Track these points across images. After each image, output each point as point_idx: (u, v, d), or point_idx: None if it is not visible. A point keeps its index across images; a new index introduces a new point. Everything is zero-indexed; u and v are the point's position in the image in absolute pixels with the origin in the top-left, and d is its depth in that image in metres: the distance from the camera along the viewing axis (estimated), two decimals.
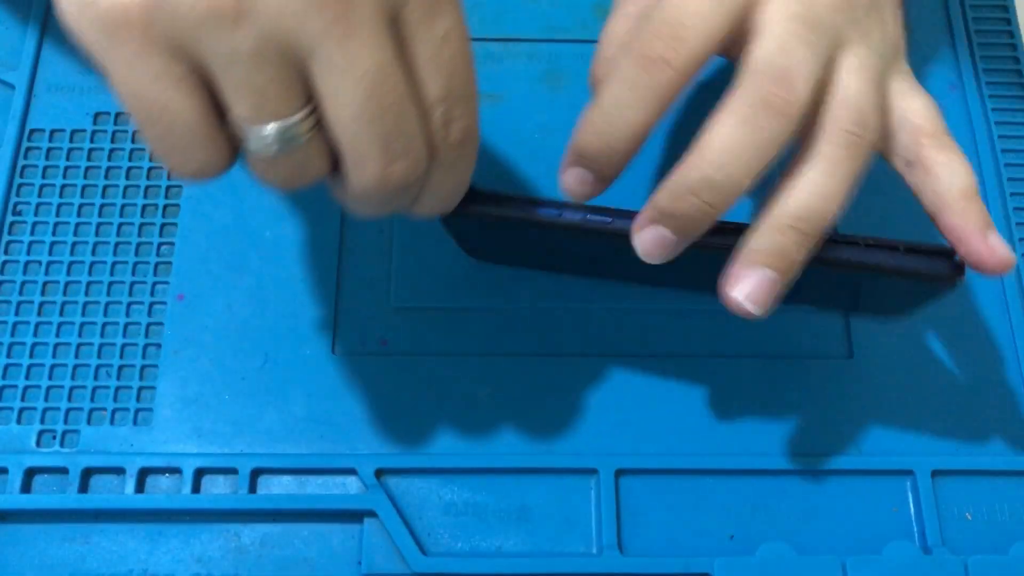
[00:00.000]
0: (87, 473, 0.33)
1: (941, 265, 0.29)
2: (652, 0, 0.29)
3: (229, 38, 0.22)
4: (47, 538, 0.32)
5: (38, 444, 0.34)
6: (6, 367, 0.34)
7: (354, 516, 0.33)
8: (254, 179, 0.25)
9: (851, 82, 0.28)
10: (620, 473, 0.34)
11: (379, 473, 0.33)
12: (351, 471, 0.33)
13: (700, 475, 0.34)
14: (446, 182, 0.27)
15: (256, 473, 0.33)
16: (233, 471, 0.33)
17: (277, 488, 0.33)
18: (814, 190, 0.28)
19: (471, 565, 0.32)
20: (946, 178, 0.29)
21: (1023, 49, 0.41)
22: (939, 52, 0.41)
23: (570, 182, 0.29)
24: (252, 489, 0.33)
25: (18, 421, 0.34)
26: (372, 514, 0.33)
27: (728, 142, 0.27)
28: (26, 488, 0.33)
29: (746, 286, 0.28)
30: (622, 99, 0.27)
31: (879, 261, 0.29)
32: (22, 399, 0.34)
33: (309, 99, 0.23)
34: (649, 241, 0.28)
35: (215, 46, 0.22)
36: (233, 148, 0.24)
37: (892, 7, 0.31)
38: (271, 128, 0.23)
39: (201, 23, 0.22)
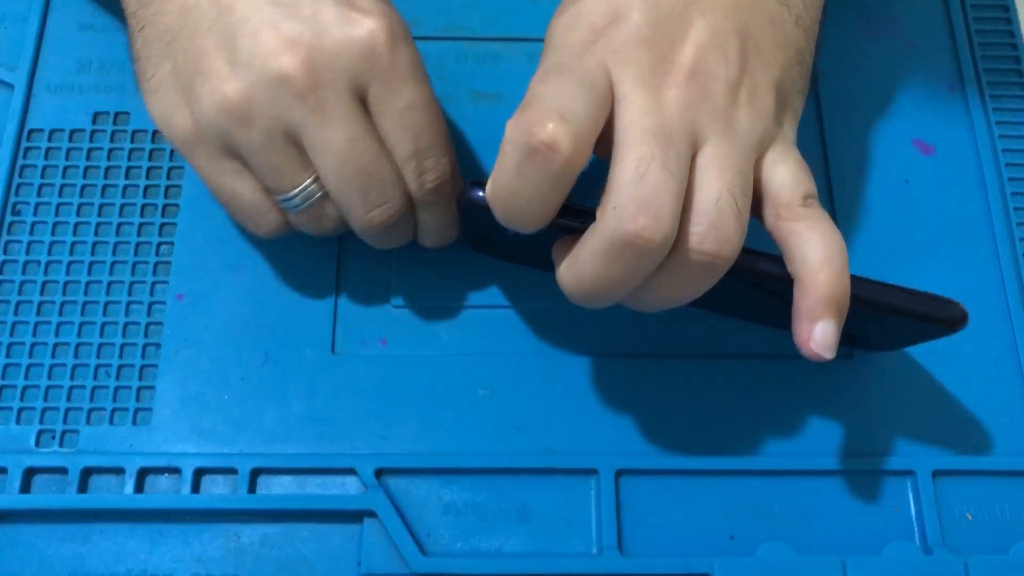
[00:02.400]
0: (86, 473, 0.33)
1: (952, 310, 0.29)
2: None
3: (246, 135, 0.30)
4: (46, 538, 0.32)
5: (37, 444, 0.34)
6: (5, 367, 0.34)
7: (354, 516, 0.33)
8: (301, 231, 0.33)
9: (709, 191, 0.27)
10: (620, 473, 0.34)
11: (379, 473, 0.33)
12: (351, 471, 0.33)
13: (700, 475, 0.34)
14: (432, 220, 0.33)
15: (256, 473, 0.33)
16: (233, 471, 0.33)
17: (277, 488, 0.33)
18: (658, 296, 0.29)
19: (471, 565, 0.32)
20: (799, 251, 0.28)
21: (1023, 49, 0.41)
22: (939, 52, 0.41)
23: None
24: (252, 489, 0.33)
25: (17, 421, 0.34)
26: (372, 514, 0.33)
27: (597, 276, 0.27)
28: (25, 488, 0.33)
29: None
30: (515, 188, 0.27)
31: (895, 301, 0.29)
32: (21, 399, 0.34)
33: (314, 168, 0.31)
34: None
35: (240, 143, 0.30)
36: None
37: (777, 69, 0.30)
38: (290, 194, 0.31)
39: (227, 130, 0.30)
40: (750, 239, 0.28)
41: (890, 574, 0.32)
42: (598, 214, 0.27)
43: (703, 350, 0.36)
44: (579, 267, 0.28)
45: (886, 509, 0.34)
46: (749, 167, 0.28)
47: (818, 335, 0.28)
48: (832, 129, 0.39)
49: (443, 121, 0.32)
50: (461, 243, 0.37)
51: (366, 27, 0.29)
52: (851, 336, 0.34)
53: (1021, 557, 0.32)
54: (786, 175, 0.29)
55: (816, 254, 0.28)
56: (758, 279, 0.29)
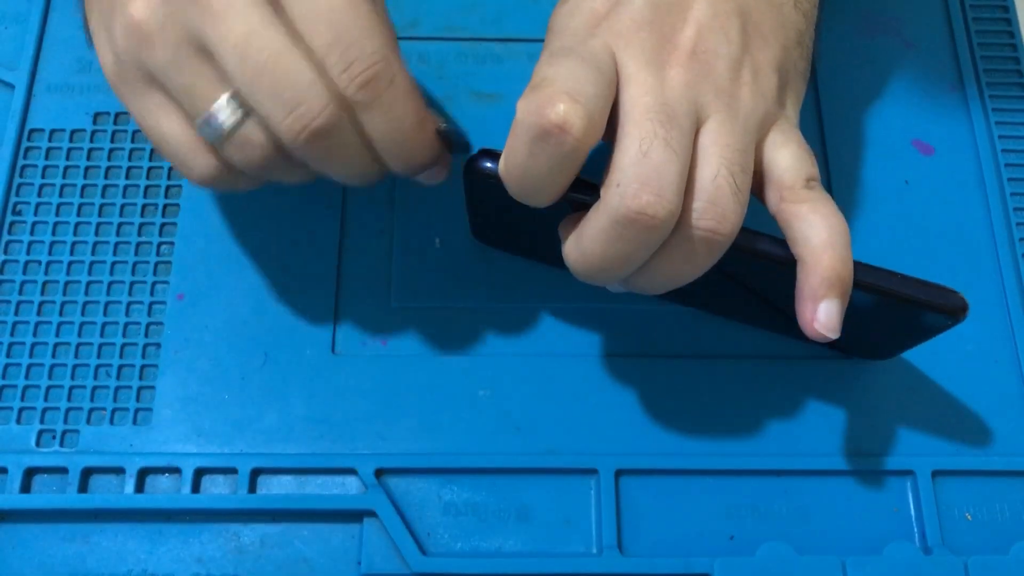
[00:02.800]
0: (87, 473, 0.33)
1: (953, 298, 0.29)
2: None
3: (155, 55, 0.27)
4: (47, 538, 0.32)
5: (38, 444, 0.34)
6: (6, 367, 0.34)
7: (354, 516, 0.33)
8: (241, 170, 0.29)
9: (708, 167, 0.27)
10: (620, 473, 0.34)
11: (379, 473, 0.33)
12: (351, 471, 0.33)
13: (700, 475, 0.34)
14: (379, 127, 0.28)
15: (256, 473, 0.33)
16: (233, 471, 0.33)
17: (277, 488, 0.33)
18: (664, 275, 0.29)
19: (471, 565, 0.32)
20: (802, 233, 0.28)
21: (1023, 49, 0.41)
22: (939, 52, 0.41)
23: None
24: (252, 489, 0.33)
25: (18, 421, 0.34)
26: (372, 514, 0.33)
27: (603, 253, 0.28)
28: (26, 488, 0.33)
29: None
30: (529, 168, 0.28)
31: (896, 287, 0.29)
32: (22, 399, 0.34)
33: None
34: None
35: (153, 66, 0.28)
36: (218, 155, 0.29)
37: (778, 50, 0.31)
38: (208, 116, 0.28)
39: (138, 54, 0.28)
40: (754, 223, 0.29)
41: (890, 574, 0.32)
42: (602, 192, 0.27)
43: (703, 350, 0.36)
44: (584, 244, 0.28)
45: (886, 509, 0.34)
46: (750, 145, 0.29)
47: (822, 315, 0.28)
48: (832, 129, 0.39)
49: (369, 6, 0.28)
50: (461, 243, 0.37)
51: None
52: (848, 344, 0.35)
53: (1020, 557, 0.32)
54: (789, 157, 0.29)
55: (819, 235, 0.28)
56: (760, 260, 0.29)
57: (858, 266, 0.29)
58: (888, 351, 0.35)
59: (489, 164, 0.29)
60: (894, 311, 0.31)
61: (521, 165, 0.27)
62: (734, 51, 0.29)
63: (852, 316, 0.29)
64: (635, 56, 0.28)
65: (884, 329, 0.33)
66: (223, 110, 0.28)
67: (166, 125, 0.29)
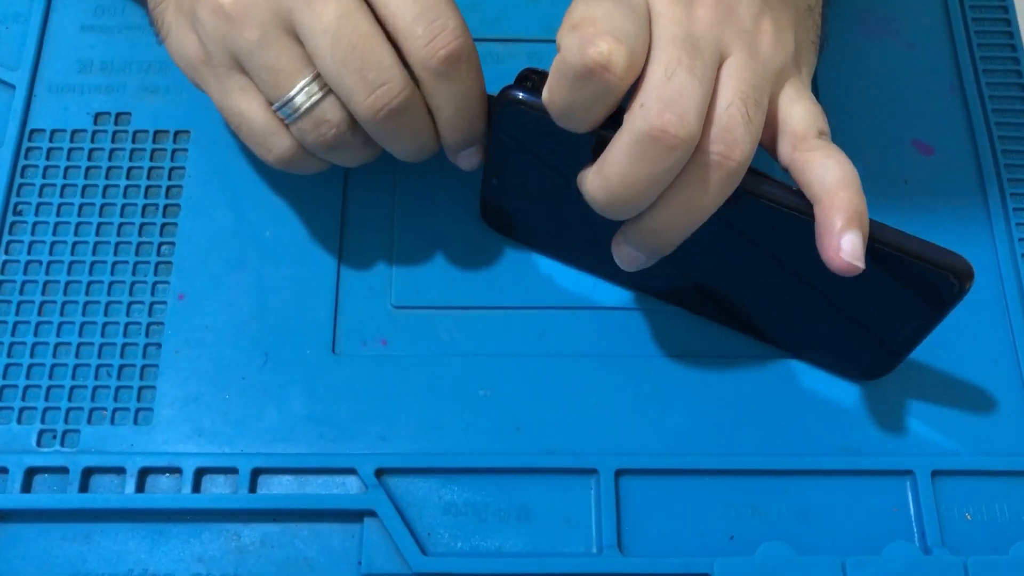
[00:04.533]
0: (87, 473, 0.33)
1: (959, 262, 0.29)
2: None
3: (243, 35, 0.29)
4: (47, 538, 0.32)
5: (39, 444, 0.34)
6: (7, 367, 0.35)
7: (354, 516, 0.33)
8: (312, 151, 0.32)
9: (723, 97, 0.28)
10: (620, 473, 0.34)
11: (379, 473, 0.33)
12: (351, 471, 0.33)
13: (700, 475, 0.34)
14: (450, 102, 0.31)
15: (256, 473, 0.33)
16: (233, 471, 0.33)
17: (277, 488, 0.33)
18: (680, 207, 0.29)
19: (471, 565, 0.32)
20: (817, 175, 0.29)
21: (1023, 49, 0.41)
22: (939, 52, 0.41)
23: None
24: (252, 489, 0.33)
25: (19, 421, 0.34)
26: (372, 514, 0.33)
27: (624, 176, 0.28)
28: (26, 488, 0.33)
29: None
30: (573, 101, 0.28)
31: (904, 242, 0.29)
32: (23, 399, 0.34)
33: (311, 63, 0.30)
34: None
35: (240, 47, 0.30)
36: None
37: (793, 12, 0.32)
38: (289, 96, 0.30)
39: (225, 35, 0.30)
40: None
41: (889, 574, 0.32)
42: (627, 114, 0.28)
43: (703, 350, 0.36)
44: (606, 168, 0.29)
45: (885, 509, 0.34)
46: (766, 85, 0.30)
47: (846, 245, 0.28)
48: (832, 129, 0.39)
49: None
50: (462, 243, 0.37)
51: None
52: (843, 352, 0.35)
53: (1020, 557, 0.32)
54: (802, 111, 0.30)
55: (834, 175, 0.29)
56: (774, 209, 0.30)
57: (879, 224, 0.29)
58: (876, 363, 0.34)
59: (524, 96, 0.30)
60: (895, 285, 0.30)
61: (565, 100, 0.28)
62: (754, 4, 0.30)
63: (852, 291, 0.29)
64: None
65: (881, 315, 0.32)
66: (305, 89, 0.30)
67: (246, 106, 0.31)
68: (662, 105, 0.27)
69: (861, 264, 0.28)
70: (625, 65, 0.27)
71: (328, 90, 0.30)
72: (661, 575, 0.32)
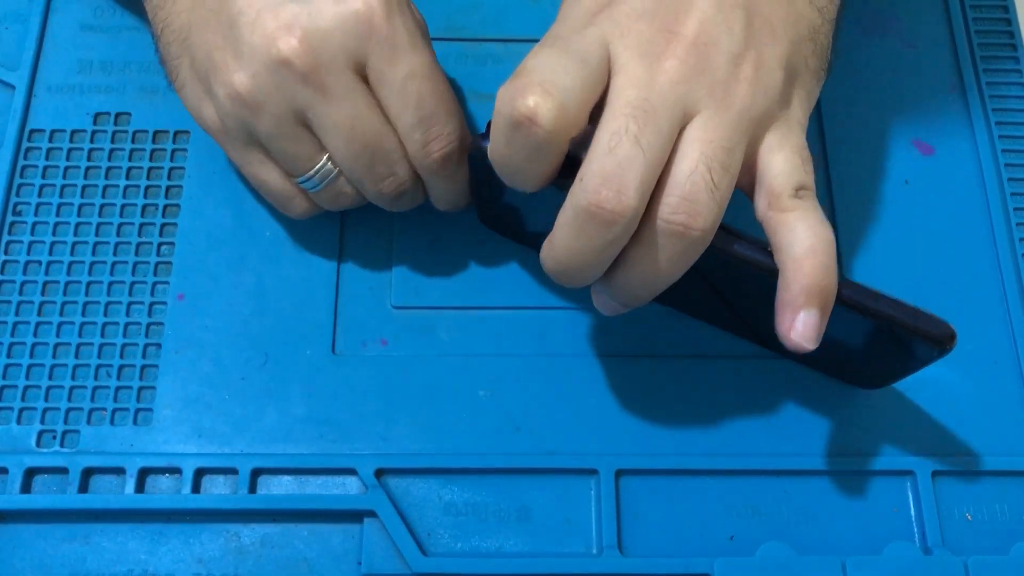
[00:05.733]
0: (87, 473, 0.33)
1: (941, 327, 0.29)
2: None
3: (260, 124, 0.31)
4: (47, 538, 0.32)
5: (38, 444, 0.34)
6: (6, 367, 0.34)
7: (354, 516, 0.33)
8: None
9: (686, 162, 0.27)
10: (620, 473, 0.34)
11: (379, 473, 0.33)
12: (351, 471, 0.33)
13: (700, 475, 0.34)
14: (443, 189, 0.33)
15: (256, 473, 0.33)
16: (233, 471, 0.33)
17: (277, 488, 0.33)
18: (642, 273, 0.28)
19: (471, 565, 0.32)
20: (785, 241, 0.28)
21: (1023, 49, 0.41)
22: (939, 52, 0.41)
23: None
24: (252, 489, 0.33)
25: (18, 421, 0.34)
26: (372, 514, 0.33)
27: (568, 248, 0.28)
28: (26, 488, 0.33)
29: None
30: (508, 156, 0.28)
31: (882, 307, 0.29)
32: (22, 399, 0.34)
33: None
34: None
35: (257, 131, 0.31)
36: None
37: (786, 44, 0.30)
38: (308, 176, 0.32)
39: (243, 120, 0.31)
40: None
41: (890, 574, 0.32)
42: (576, 181, 0.27)
43: (703, 350, 0.36)
44: (553, 239, 0.28)
45: (886, 509, 0.34)
46: (738, 143, 0.28)
47: (800, 325, 0.28)
48: (832, 129, 0.39)
49: (448, 87, 0.32)
50: (461, 243, 0.37)
51: (357, 2, 0.30)
52: (833, 368, 0.34)
53: (1021, 557, 0.32)
54: (782, 163, 0.29)
55: (802, 244, 0.28)
56: (741, 266, 0.29)
57: (846, 284, 0.29)
58: (873, 381, 0.34)
59: (482, 145, 0.30)
60: (879, 336, 0.30)
61: (500, 152, 0.28)
62: (736, 44, 0.28)
63: (836, 337, 0.29)
64: (629, 46, 0.28)
65: (869, 355, 0.32)
66: (320, 171, 0.32)
67: (266, 175, 0.33)
68: (600, 180, 0.26)
69: (811, 346, 0.28)
70: (552, 118, 0.26)
71: (339, 173, 0.32)
72: (661, 575, 0.32)
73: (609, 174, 0.26)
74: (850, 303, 0.29)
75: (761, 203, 0.29)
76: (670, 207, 0.27)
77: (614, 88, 0.28)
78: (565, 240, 0.28)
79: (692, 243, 0.27)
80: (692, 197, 0.27)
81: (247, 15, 0.30)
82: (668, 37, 0.28)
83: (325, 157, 0.32)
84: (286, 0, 0.30)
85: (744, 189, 0.30)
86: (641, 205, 0.27)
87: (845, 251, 0.37)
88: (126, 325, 0.35)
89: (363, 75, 0.30)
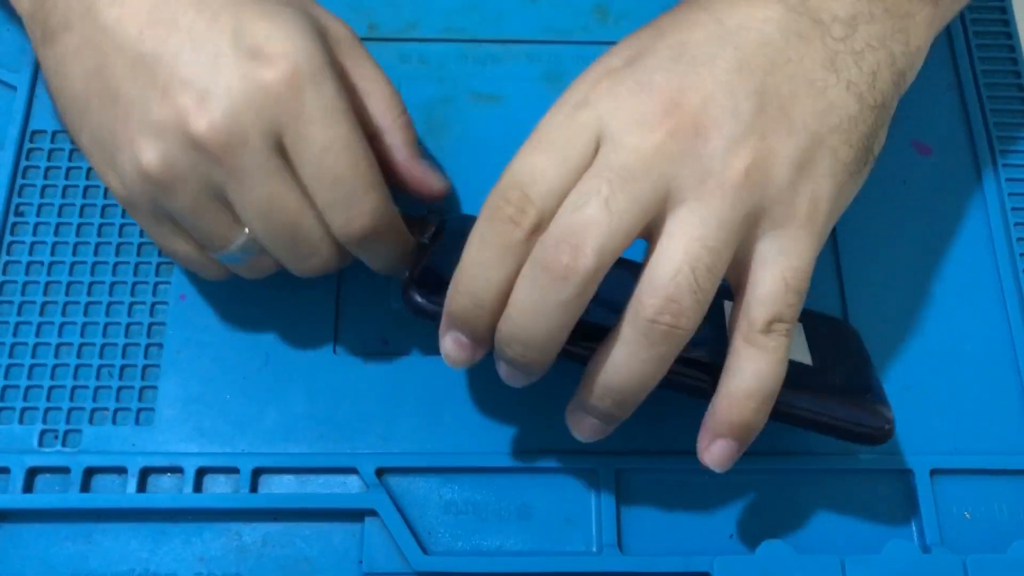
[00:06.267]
0: (89, 473, 0.33)
1: (871, 428, 0.30)
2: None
3: (173, 202, 0.29)
4: (49, 538, 0.32)
5: (40, 444, 0.34)
6: (8, 367, 0.35)
7: (355, 515, 0.33)
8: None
9: (670, 262, 0.26)
10: (620, 472, 0.34)
11: (380, 472, 0.33)
12: (352, 470, 0.33)
13: (700, 475, 0.34)
14: (372, 261, 0.32)
15: (257, 472, 0.33)
16: (235, 470, 0.33)
17: (278, 487, 0.33)
18: (621, 375, 0.27)
19: (472, 564, 0.32)
20: (731, 372, 0.28)
21: (1021, 50, 0.41)
22: (938, 52, 0.41)
23: (446, 347, 0.29)
24: (253, 488, 0.33)
25: (20, 421, 0.34)
26: (373, 513, 0.33)
27: (521, 303, 0.27)
28: (28, 488, 0.33)
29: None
30: (478, 259, 0.27)
31: (817, 419, 0.29)
32: (24, 399, 0.34)
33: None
34: (501, 373, 0.30)
35: (169, 208, 0.29)
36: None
37: (796, 141, 0.27)
38: (226, 252, 0.31)
39: (153, 198, 0.29)
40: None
41: (889, 573, 0.32)
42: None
43: None
44: (512, 297, 0.27)
45: (885, 508, 0.34)
46: (726, 244, 0.26)
47: (716, 449, 0.28)
48: None
49: (368, 158, 0.30)
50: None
51: (267, 76, 0.28)
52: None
53: (1019, 556, 0.32)
54: (765, 287, 0.27)
55: (744, 384, 0.27)
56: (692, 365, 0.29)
57: (787, 392, 0.28)
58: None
59: (419, 299, 0.30)
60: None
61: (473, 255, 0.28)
62: (740, 130, 0.26)
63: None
64: (624, 119, 0.27)
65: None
66: (238, 248, 0.31)
67: (179, 247, 0.31)
68: (559, 236, 0.26)
69: (721, 470, 0.29)
70: (531, 224, 0.26)
71: (260, 247, 0.31)
72: (661, 574, 0.32)
73: (570, 232, 0.25)
74: (782, 417, 0.29)
75: (734, 314, 0.28)
76: (655, 308, 0.26)
77: (597, 155, 0.27)
78: (520, 295, 0.27)
79: (677, 342, 0.26)
80: (677, 298, 0.26)
81: (154, 92, 0.28)
82: (667, 110, 0.26)
83: (244, 232, 0.30)
84: (192, 77, 0.28)
85: (731, 284, 0.29)
86: (599, 270, 0.26)
87: (843, 252, 0.37)
88: (128, 325, 0.35)
89: (280, 147, 0.29)
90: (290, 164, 0.29)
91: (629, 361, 0.27)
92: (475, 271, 0.27)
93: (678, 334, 0.26)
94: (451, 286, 0.28)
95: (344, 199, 0.29)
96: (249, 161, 0.28)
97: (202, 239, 0.30)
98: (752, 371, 0.27)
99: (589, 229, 0.25)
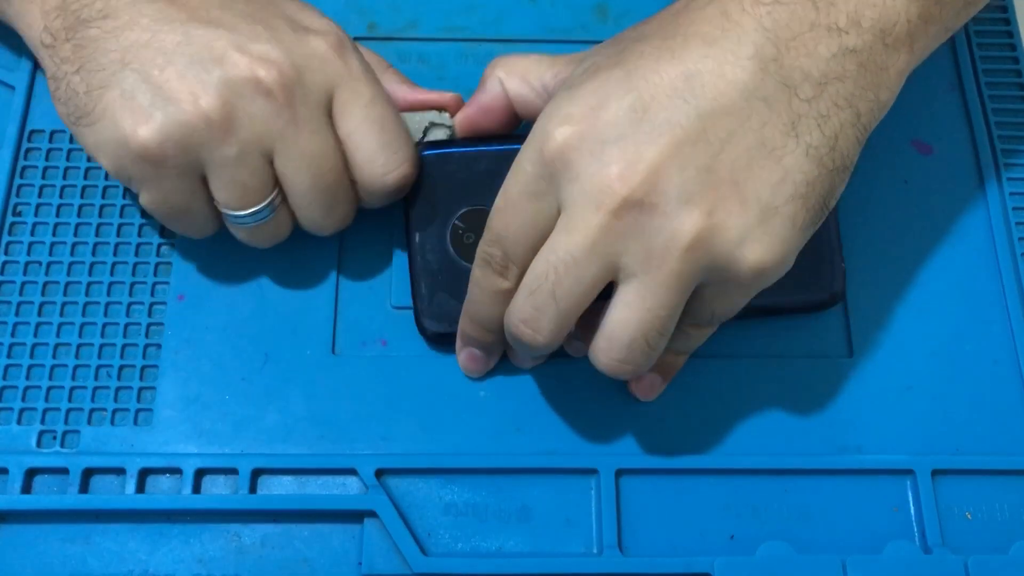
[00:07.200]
0: (87, 473, 0.33)
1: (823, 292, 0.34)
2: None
3: (221, 149, 0.31)
4: (47, 538, 0.32)
5: (39, 444, 0.34)
6: (6, 368, 0.34)
7: (354, 516, 0.33)
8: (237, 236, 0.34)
9: (625, 331, 0.29)
10: (620, 473, 0.34)
11: (379, 473, 0.33)
12: (351, 471, 0.33)
13: (700, 475, 0.34)
14: (385, 200, 0.35)
15: (256, 473, 0.33)
16: (233, 471, 0.33)
17: (277, 488, 0.33)
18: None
19: (471, 565, 0.32)
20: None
21: (1023, 49, 0.41)
22: (939, 52, 0.41)
23: (463, 361, 0.35)
24: (252, 489, 0.33)
25: (18, 422, 0.34)
26: (372, 514, 0.33)
27: (471, 294, 0.32)
28: (26, 488, 0.33)
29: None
30: (480, 298, 0.31)
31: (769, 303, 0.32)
32: (23, 400, 0.34)
33: (275, 183, 0.32)
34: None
35: (212, 158, 0.31)
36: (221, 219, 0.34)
37: (746, 217, 0.27)
38: (246, 212, 0.32)
39: (201, 144, 0.30)
40: None
41: (890, 573, 0.32)
42: None
43: (703, 350, 0.35)
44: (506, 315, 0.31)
45: (886, 508, 0.34)
46: (676, 306, 0.28)
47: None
48: None
49: (399, 114, 0.34)
50: None
51: (323, 42, 0.32)
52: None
53: (1020, 556, 0.32)
54: (692, 339, 0.32)
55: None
56: None
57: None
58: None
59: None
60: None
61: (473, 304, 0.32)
62: (687, 206, 0.27)
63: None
64: (576, 194, 0.28)
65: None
66: (268, 205, 0.32)
67: (196, 206, 0.33)
68: (519, 318, 0.29)
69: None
70: (510, 286, 0.30)
71: (281, 207, 0.33)
72: (661, 575, 0.32)
73: (527, 315, 0.29)
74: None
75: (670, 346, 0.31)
76: (613, 363, 0.29)
77: (555, 229, 0.29)
78: (472, 288, 0.31)
79: (630, 377, 0.31)
80: (632, 360, 0.29)
81: (213, 51, 0.30)
82: (617, 185, 0.27)
83: (272, 197, 0.32)
84: (252, 39, 0.31)
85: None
86: (557, 338, 0.29)
87: (844, 251, 0.37)
88: (126, 325, 0.35)
89: (329, 107, 0.32)
90: (332, 123, 0.32)
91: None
92: (479, 308, 0.31)
93: (636, 374, 0.30)
94: (463, 315, 0.33)
95: (389, 145, 0.33)
96: (307, 114, 0.31)
97: (232, 196, 0.32)
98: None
99: (542, 315, 0.29)
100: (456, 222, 0.34)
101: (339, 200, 0.33)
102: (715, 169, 0.27)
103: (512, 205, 0.29)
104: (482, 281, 0.31)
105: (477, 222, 0.33)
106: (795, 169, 0.28)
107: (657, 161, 0.27)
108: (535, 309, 0.29)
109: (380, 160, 0.33)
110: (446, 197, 0.35)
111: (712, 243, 0.27)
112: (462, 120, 0.35)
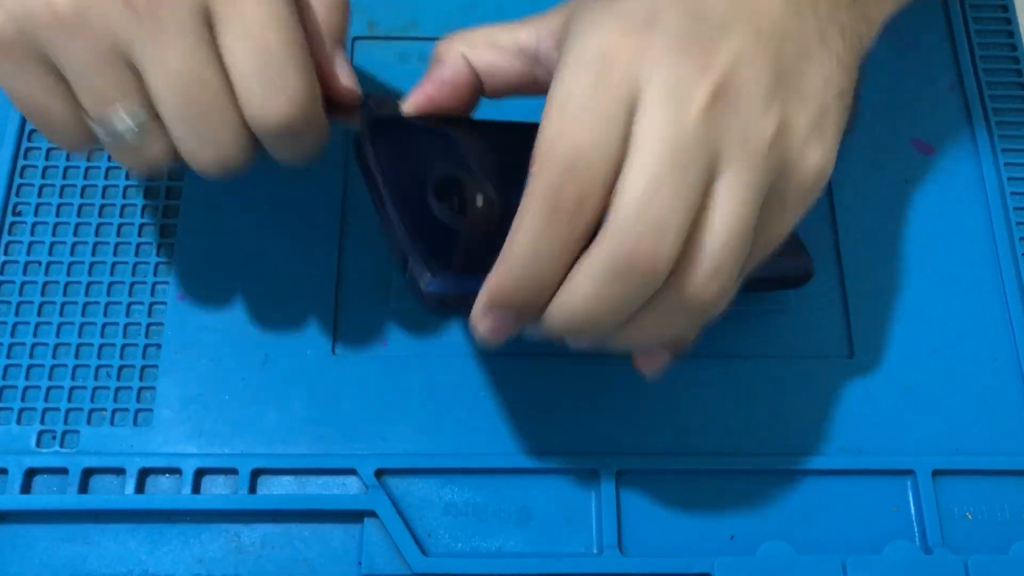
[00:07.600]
0: (87, 473, 0.33)
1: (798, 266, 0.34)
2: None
3: (72, 46, 0.26)
4: (47, 539, 0.32)
5: (38, 444, 0.34)
6: (6, 368, 0.34)
7: (354, 516, 0.33)
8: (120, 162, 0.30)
9: (721, 231, 0.25)
10: (620, 473, 0.34)
11: (379, 473, 0.33)
12: (351, 471, 0.33)
13: (700, 475, 0.34)
14: (283, 155, 0.30)
15: (256, 473, 0.33)
16: (233, 471, 0.33)
17: (277, 488, 0.33)
18: (654, 334, 0.27)
19: (471, 565, 0.32)
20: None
21: (1023, 49, 0.41)
22: (939, 52, 0.41)
23: (487, 328, 0.27)
24: (252, 489, 0.33)
25: (18, 422, 0.34)
26: (372, 514, 0.33)
27: (590, 299, 0.25)
28: (26, 488, 0.33)
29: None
30: (539, 250, 0.26)
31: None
32: (22, 399, 0.34)
33: (146, 98, 0.27)
34: (489, 325, 0.27)
35: (64, 55, 0.27)
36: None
37: (805, 101, 0.27)
38: (110, 121, 0.27)
39: (48, 39, 0.26)
40: None
41: (890, 573, 0.32)
42: (600, 233, 0.25)
43: (703, 350, 0.35)
44: (570, 290, 0.26)
45: (886, 508, 0.34)
46: (761, 201, 0.26)
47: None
48: None
49: (301, 42, 0.28)
50: None
51: None
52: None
53: (1021, 556, 0.32)
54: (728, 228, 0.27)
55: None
56: None
57: None
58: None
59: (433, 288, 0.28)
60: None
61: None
62: (767, 97, 0.26)
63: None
64: (658, 85, 0.25)
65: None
66: (128, 118, 0.28)
67: (53, 105, 0.28)
68: (641, 230, 0.25)
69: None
70: (592, 208, 0.25)
71: (152, 124, 0.28)
72: (661, 575, 0.32)
73: (651, 225, 0.24)
74: None
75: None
76: (703, 278, 0.26)
77: (642, 129, 0.25)
78: (588, 291, 0.25)
79: (719, 308, 0.27)
80: (725, 268, 0.26)
81: None
82: (699, 80, 0.26)
83: (139, 104, 0.27)
84: None
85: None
86: (676, 257, 0.25)
87: (844, 252, 0.37)
88: (126, 325, 0.35)
89: (207, 17, 0.27)
90: (214, 38, 0.27)
91: (662, 323, 0.27)
92: (537, 264, 0.26)
93: (721, 303, 0.27)
94: (502, 275, 0.26)
95: (269, 77, 0.27)
96: (173, 21, 0.26)
97: (88, 96, 0.27)
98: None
99: (668, 221, 0.25)
100: (436, 183, 0.30)
101: (215, 127, 0.27)
102: (779, 65, 0.27)
103: (579, 108, 0.25)
104: (547, 230, 0.25)
105: (457, 185, 0.30)
106: (833, 72, 0.29)
107: (731, 56, 0.26)
108: (661, 216, 0.24)
109: (256, 88, 0.27)
110: (414, 165, 0.31)
111: (787, 138, 0.27)
112: (416, 99, 0.31)
